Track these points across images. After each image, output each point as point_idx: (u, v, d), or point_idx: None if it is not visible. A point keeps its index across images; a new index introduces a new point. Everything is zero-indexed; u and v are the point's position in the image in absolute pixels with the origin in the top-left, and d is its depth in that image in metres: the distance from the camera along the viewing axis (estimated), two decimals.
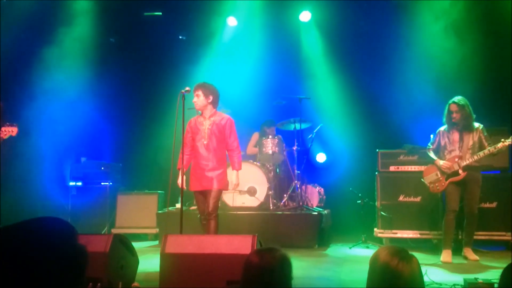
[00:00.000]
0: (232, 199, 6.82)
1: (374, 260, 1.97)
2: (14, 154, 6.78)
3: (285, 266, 2.05)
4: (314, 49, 8.56)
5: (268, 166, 7.15)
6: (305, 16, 8.40)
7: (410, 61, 7.51)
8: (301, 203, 6.82)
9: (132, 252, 4.00)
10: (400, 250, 1.93)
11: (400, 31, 7.69)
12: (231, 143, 5.05)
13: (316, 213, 6.55)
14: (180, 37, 8.76)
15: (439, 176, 5.54)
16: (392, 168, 6.64)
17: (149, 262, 4.93)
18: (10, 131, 3.96)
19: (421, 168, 5.93)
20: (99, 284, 3.40)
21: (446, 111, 5.52)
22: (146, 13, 8.49)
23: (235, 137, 5.07)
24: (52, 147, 7.50)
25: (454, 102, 5.43)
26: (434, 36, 7.47)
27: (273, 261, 2.02)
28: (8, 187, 6.63)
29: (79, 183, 7.58)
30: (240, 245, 3.49)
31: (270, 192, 6.88)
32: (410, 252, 1.93)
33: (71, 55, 7.70)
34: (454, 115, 5.41)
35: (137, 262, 4.09)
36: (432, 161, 5.65)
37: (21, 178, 6.96)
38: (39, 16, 7.22)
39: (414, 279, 1.84)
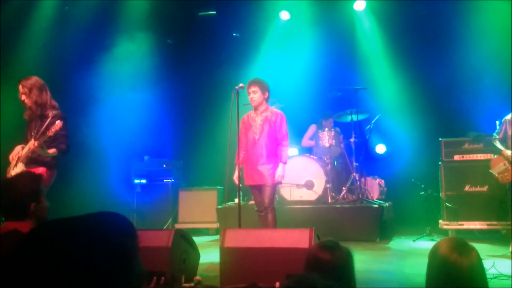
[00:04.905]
0: (290, 193, 6.83)
1: (433, 254, 1.93)
2: (83, 154, 7.17)
3: (351, 260, 2.05)
4: (370, 38, 8.36)
5: (325, 159, 7.09)
6: (359, 5, 8.22)
7: (473, 46, 7.14)
8: (360, 196, 6.70)
9: (193, 246, 4.13)
10: (460, 243, 1.87)
11: (461, 15, 7.33)
12: (281, 138, 5.06)
13: (376, 205, 6.42)
14: (234, 34, 8.87)
15: (508, 165, 5.27)
16: (456, 157, 6.38)
17: (210, 256, 5.05)
18: (55, 127, 4.18)
19: (487, 156, 5.66)
20: (163, 277, 3.54)
21: None
22: (200, 13, 8.68)
23: (285, 132, 5.08)
24: (118, 147, 7.86)
25: None
26: (499, 19, 7.04)
27: (341, 256, 2.02)
28: (78, 186, 7.02)
29: (143, 181, 7.89)
30: (298, 239, 3.51)
31: (328, 185, 6.81)
32: (471, 244, 1.87)
33: (132, 58, 8.02)
34: None
35: (198, 256, 4.21)
36: (499, 152, 5.38)
37: (90, 177, 7.34)
38: (98, 21, 7.55)
39: (473, 273, 1.79)
